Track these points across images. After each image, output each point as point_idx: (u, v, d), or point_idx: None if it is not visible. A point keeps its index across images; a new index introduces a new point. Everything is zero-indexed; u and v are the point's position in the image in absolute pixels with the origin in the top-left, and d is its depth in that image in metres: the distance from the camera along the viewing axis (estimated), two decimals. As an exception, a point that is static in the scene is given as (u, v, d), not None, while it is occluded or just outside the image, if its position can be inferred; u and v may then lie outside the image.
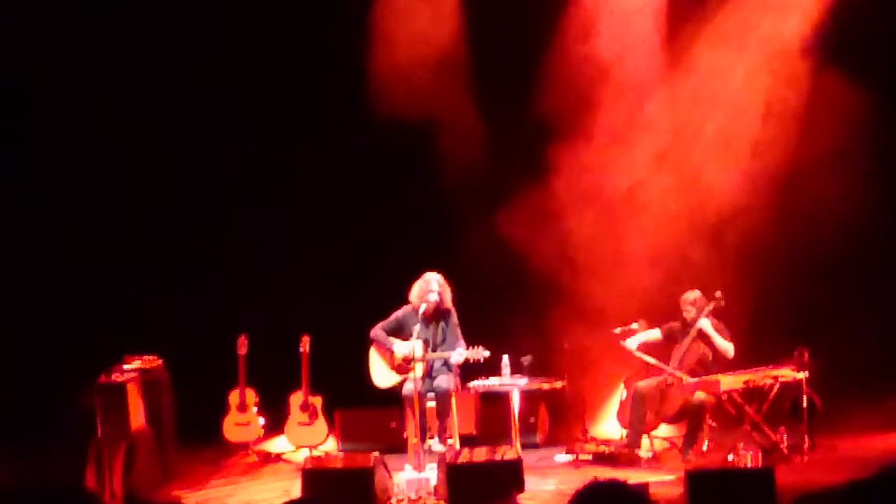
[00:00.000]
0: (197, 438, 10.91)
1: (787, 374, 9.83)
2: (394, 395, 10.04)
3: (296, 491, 8.83)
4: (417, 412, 9.69)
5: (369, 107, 11.52)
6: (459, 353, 9.73)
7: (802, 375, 9.84)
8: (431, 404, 9.83)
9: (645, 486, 7.95)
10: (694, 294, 10.27)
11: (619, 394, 10.68)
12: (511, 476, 8.74)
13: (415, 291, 9.93)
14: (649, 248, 11.21)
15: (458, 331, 9.91)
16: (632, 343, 10.31)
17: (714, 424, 10.28)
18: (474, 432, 10.81)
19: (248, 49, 11.43)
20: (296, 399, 10.94)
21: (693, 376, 10.04)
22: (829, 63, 10.95)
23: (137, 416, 9.64)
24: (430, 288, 9.81)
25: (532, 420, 10.90)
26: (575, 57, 11.22)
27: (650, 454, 10.03)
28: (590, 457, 10.20)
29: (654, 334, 10.39)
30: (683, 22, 11.21)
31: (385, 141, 11.72)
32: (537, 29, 11.29)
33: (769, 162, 11.12)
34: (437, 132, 11.57)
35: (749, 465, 9.22)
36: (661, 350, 10.38)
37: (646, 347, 10.37)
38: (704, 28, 11.15)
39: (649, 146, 11.33)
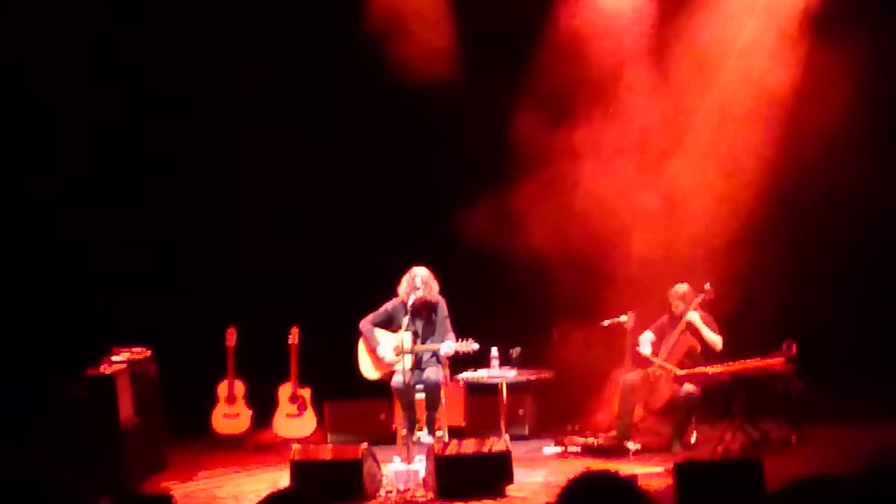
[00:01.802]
0: (186, 430, 10.90)
1: (775, 366, 9.86)
2: (383, 386, 10.04)
3: (284, 482, 8.82)
4: (406, 404, 9.70)
5: (360, 100, 11.53)
6: (448, 346, 9.72)
7: (790, 368, 9.87)
8: (420, 396, 9.83)
9: (633, 477, 7.96)
10: (683, 287, 10.29)
11: (608, 386, 10.69)
12: (499, 468, 8.76)
13: (402, 285, 9.92)
14: (639, 240, 11.17)
15: (448, 322, 9.90)
16: (646, 349, 10.28)
17: (702, 417, 10.31)
18: (463, 424, 10.83)
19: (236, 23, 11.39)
20: (284, 390, 10.95)
21: (681, 368, 10.06)
22: (831, 37, 10.81)
23: (126, 407, 9.63)
24: (415, 284, 9.79)
25: (521, 412, 10.92)
26: (570, 43, 11.12)
27: (638, 446, 10.04)
28: (578, 449, 10.24)
29: (650, 336, 10.37)
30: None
31: (375, 134, 11.72)
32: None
33: (761, 152, 11.06)
34: (428, 127, 11.56)
35: (737, 457, 9.25)
36: (653, 345, 10.39)
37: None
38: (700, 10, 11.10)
39: (642, 136, 11.25)
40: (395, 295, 9.97)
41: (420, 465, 9.08)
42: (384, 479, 8.99)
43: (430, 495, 8.76)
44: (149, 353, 10.22)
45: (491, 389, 10.26)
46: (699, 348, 10.17)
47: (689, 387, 9.99)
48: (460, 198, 11.30)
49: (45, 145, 11.59)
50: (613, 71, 11.22)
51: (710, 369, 9.87)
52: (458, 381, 10.19)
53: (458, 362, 9.97)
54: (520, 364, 10.03)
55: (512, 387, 10.19)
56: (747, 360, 9.90)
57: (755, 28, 11.08)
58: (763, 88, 11.05)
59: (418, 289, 9.74)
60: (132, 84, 11.53)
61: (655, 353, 10.25)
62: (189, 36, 11.29)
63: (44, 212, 11.67)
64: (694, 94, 11.20)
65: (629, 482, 3.73)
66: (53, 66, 11.23)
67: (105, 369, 9.62)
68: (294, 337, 10.86)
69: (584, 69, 11.13)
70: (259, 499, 3.64)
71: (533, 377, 10.14)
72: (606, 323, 10.51)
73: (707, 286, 10.23)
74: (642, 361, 10.28)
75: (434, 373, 9.80)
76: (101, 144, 11.53)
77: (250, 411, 11.00)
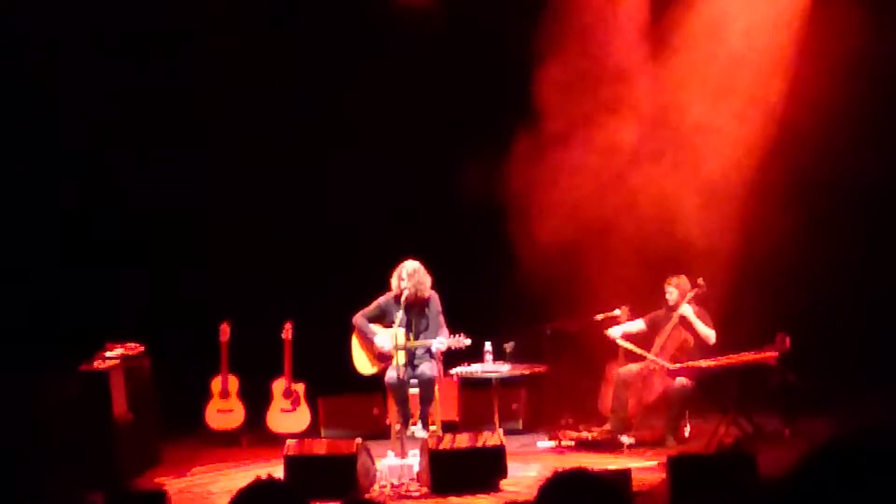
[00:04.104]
0: (179, 426, 10.91)
1: (769, 359, 9.86)
2: (377, 381, 10.03)
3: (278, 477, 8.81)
4: (400, 399, 9.70)
5: (357, 97, 11.52)
6: (440, 342, 9.70)
7: (784, 361, 9.87)
8: (414, 391, 9.83)
9: (627, 472, 8.00)
10: (678, 278, 10.30)
11: (602, 380, 10.69)
12: (493, 462, 8.77)
13: (394, 279, 9.91)
14: (634, 235, 11.12)
15: (442, 318, 9.87)
16: (615, 332, 10.34)
17: (696, 410, 10.32)
18: (457, 419, 10.84)
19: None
20: (278, 386, 10.95)
21: (674, 362, 10.07)
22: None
23: (119, 403, 9.62)
24: (404, 277, 9.77)
25: (514, 406, 10.93)
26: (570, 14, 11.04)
27: (632, 440, 10.05)
28: (572, 443, 10.26)
29: (639, 325, 10.41)
30: None
31: (370, 131, 11.70)
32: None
33: (757, 140, 11.00)
34: (422, 117, 11.55)
35: (730, 450, 9.25)
36: (644, 337, 10.40)
37: (629, 337, 10.39)
38: None
39: (638, 126, 11.17)
40: (389, 289, 9.96)
41: (414, 459, 9.08)
42: (378, 473, 8.99)
43: (424, 490, 8.76)
44: (142, 348, 10.20)
45: (485, 384, 10.27)
46: (692, 342, 10.17)
47: (682, 380, 10.00)
48: (456, 193, 11.28)
49: (43, 142, 11.57)
50: (612, 49, 11.09)
51: (703, 363, 9.88)
52: (451, 375, 10.20)
53: (452, 357, 9.97)
54: (513, 359, 10.03)
55: (506, 381, 10.20)
56: (741, 354, 9.91)
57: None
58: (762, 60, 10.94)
59: (403, 280, 9.73)
60: (128, 81, 11.50)
61: (626, 338, 10.25)
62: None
63: (39, 208, 11.65)
64: (693, 77, 11.05)
65: (598, 476, 3.71)
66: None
67: (98, 365, 9.60)
68: (288, 332, 10.86)
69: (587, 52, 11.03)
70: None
71: (527, 372, 10.14)
72: (600, 317, 10.51)
73: (700, 281, 10.23)
74: (635, 356, 10.29)
75: (428, 368, 9.79)
76: (99, 142, 11.49)
77: (244, 406, 10.99)
